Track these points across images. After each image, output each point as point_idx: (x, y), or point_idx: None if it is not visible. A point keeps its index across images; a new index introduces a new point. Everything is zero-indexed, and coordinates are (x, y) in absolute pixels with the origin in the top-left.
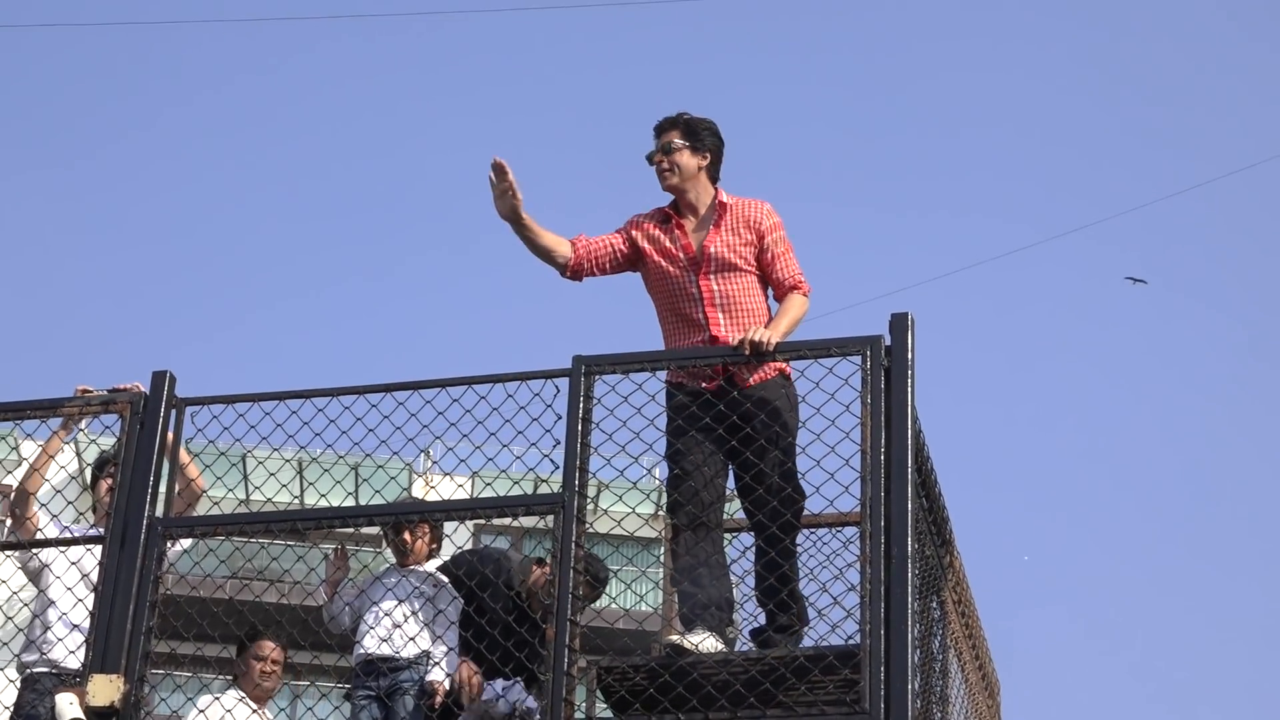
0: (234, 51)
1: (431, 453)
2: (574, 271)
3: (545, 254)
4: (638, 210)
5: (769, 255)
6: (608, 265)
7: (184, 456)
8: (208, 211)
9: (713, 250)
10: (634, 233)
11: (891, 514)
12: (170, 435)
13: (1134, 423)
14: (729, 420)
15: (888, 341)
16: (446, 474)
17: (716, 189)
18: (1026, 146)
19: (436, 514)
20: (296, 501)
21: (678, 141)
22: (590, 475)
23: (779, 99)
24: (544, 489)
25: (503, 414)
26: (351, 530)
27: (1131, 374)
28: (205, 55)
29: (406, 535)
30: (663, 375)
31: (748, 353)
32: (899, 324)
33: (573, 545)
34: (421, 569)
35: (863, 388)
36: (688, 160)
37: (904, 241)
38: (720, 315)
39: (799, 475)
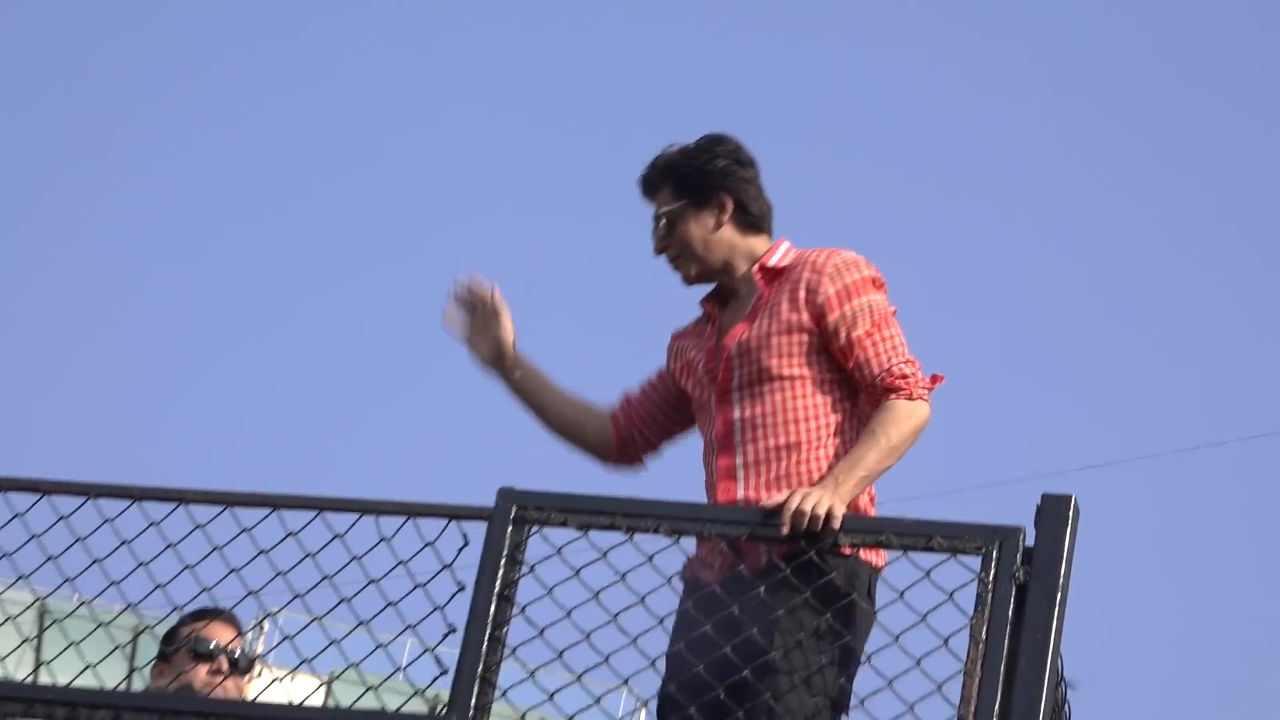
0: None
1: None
2: (622, 452)
3: (569, 430)
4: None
5: (840, 341)
6: (665, 421)
7: None
8: None
9: (734, 349)
10: (673, 359)
11: None
12: None
13: None
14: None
15: (1029, 540)
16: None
17: (771, 245)
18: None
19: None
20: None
21: (670, 205)
22: (498, 694)
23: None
24: (415, 706)
25: (366, 569)
26: None
27: None
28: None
29: None
30: (677, 561)
31: (785, 530)
32: (1052, 512)
33: None
34: None
35: (976, 612)
36: (694, 229)
37: (1058, 416)
38: (741, 458)
39: None
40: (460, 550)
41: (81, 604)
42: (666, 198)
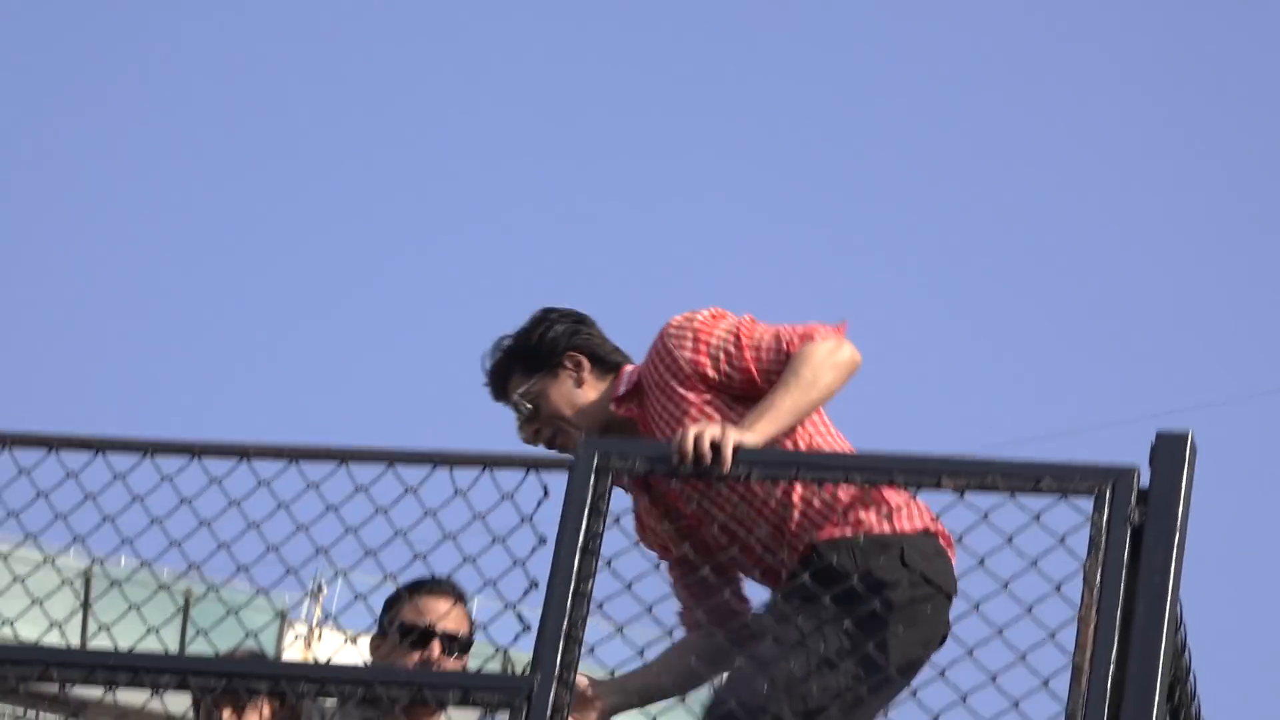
0: None
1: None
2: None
3: (688, 680)
4: None
5: (734, 373)
6: (691, 594)
7: None
8: None
9: (681, 493)
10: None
11: None
12: None
13: None
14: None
15: (1144, 480)
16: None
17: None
18: None
19: (295, 682)
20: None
21: (527, 388)
22: (587, 650)
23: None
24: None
25: (441, 523)
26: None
27: None
28: None
29: (230, 715)
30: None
31: (675, 460)
32: (1168, 450)
33: None
34: None
35: (1089, 555)
36: (557, 397)
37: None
38: (769, 544)
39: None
40: (540, 503)
41: (141, 565)
42: (519, 382)
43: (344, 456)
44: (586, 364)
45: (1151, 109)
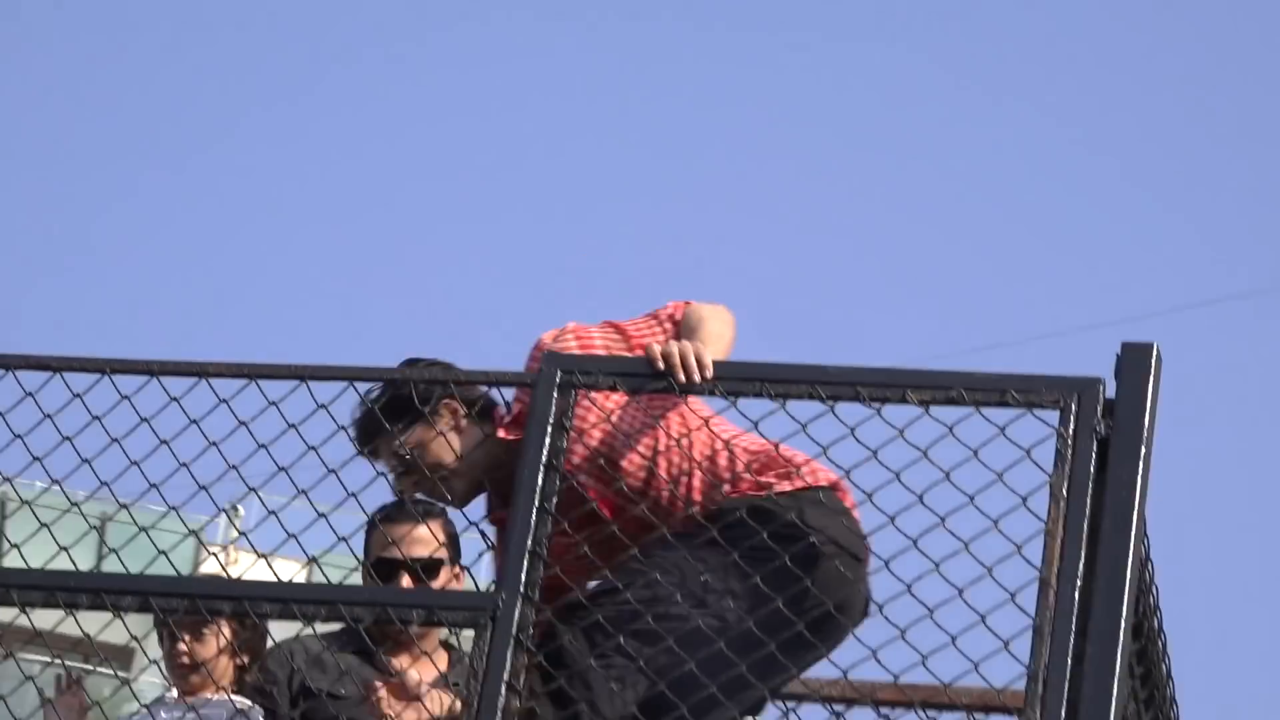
0: None
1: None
2: None
3: None
4: None
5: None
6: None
7: None
8: None
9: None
10: None
11: (1082, 700)
12: None
13: None
14: None
15: (1109, 391)
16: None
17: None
18: None
19: (258, 603)
20: None
21: (404, 440)
22: (548, 568)
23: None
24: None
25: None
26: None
27: None
28: None
29: (188, 642)
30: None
31: (659, 366)
32: (1134, 361)
33: (502, 685)
34: (218, 698)
35: (1055, 469)
36: (435, 444)
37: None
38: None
39: None
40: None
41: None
42: (394, 435)
43: (302, 375)
44: (460, 409)
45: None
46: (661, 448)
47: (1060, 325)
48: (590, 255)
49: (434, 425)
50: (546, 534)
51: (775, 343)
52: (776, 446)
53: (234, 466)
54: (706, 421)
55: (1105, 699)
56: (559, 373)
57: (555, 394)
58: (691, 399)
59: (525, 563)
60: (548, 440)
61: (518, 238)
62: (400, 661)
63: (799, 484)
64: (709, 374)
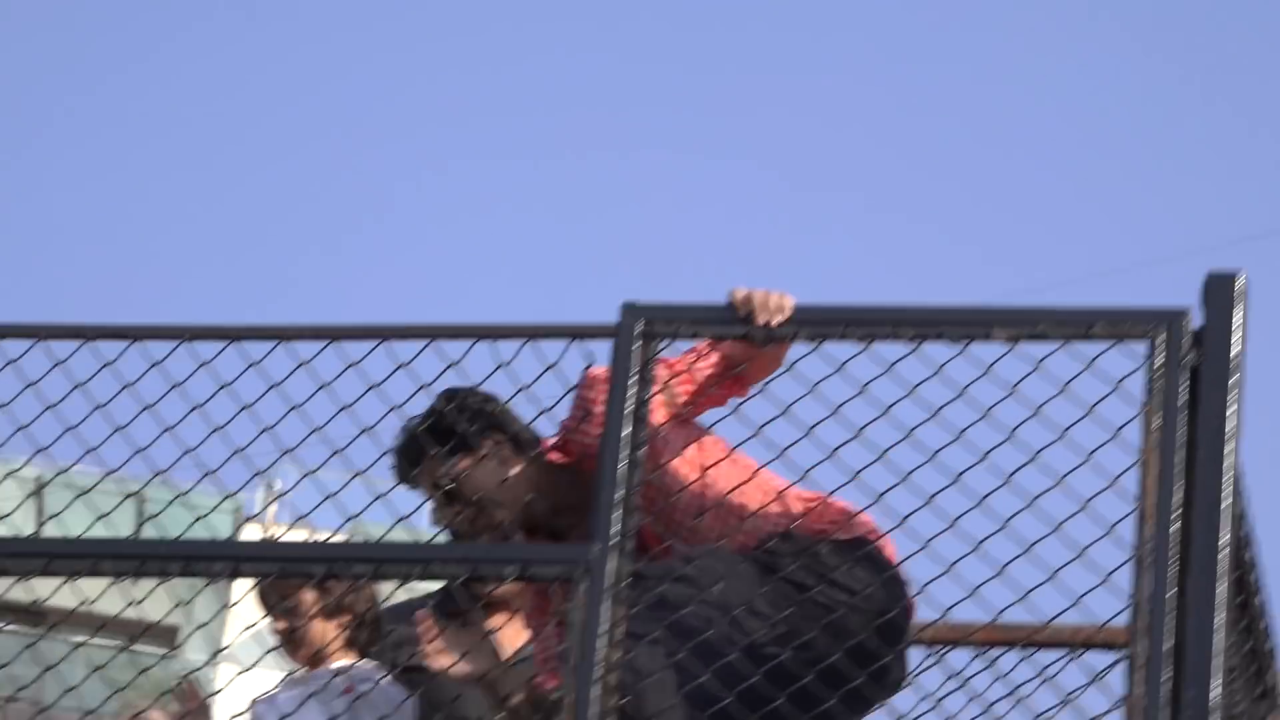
0: None
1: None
2: None
3: None
4: None
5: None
6: None
7: None
8: None
9: None
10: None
11: (1187, 631)
12: None
13: None
14: None
15: (1197, 322)
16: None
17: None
18: None
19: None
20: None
21: (448, 469)
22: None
23: None
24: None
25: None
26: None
27: None
28: None
29: (307, 595)
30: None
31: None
32: (1218, 292)
33: (598, 638)
34: (334, 667)
35: (1148, 400)
36: (477, 472)
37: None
38: None
39: None
40: (585, 370)
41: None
42: (437, 464)
43: (386, 334)
44: (506, 443)
45: None
46: (709, 502)
47: (1149, 255)
48: (615, 251)
49: (479, 457)
50: (636, 484)
51: (861, 285)
52: (827, 498)
53: (266, 429)
54: (755, 472)
55: (1208, 628)
56: (641, 323)
57: (639, 343)
58: (740, 455)
59: (618, 514)
60: (633, 390)
61: (540, 236)
62: (495, 621)
63: (854, 534)
64: (789, 315)
